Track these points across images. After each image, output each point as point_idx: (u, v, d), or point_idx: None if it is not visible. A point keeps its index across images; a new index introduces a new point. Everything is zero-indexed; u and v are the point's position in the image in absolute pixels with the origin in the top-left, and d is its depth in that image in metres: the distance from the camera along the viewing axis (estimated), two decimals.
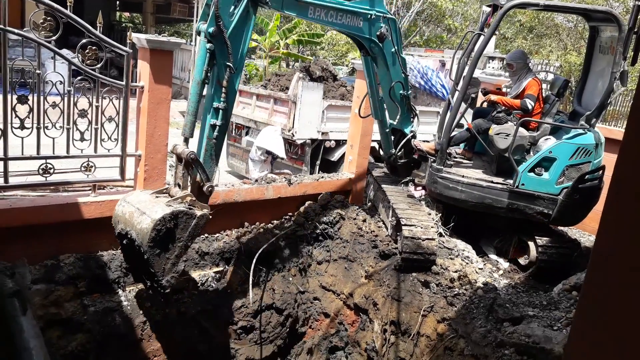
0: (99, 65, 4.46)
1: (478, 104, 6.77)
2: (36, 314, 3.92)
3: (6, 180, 4.28)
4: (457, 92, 5.90)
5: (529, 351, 4.00)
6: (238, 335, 5.45)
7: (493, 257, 6.28)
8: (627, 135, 1.12)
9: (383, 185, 6.44)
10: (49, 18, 4.11)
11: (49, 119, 4.38)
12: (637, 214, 1.09)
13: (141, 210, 3.83)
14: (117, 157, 4.82)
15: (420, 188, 7.34)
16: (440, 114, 6.89)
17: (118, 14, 28.80)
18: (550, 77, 10.34)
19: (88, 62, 4.38)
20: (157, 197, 4.02)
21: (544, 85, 7.00)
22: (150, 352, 4.78)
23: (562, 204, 5.59)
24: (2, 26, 3.93)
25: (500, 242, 6.37)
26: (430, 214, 5.90)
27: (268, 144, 9.11)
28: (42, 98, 4.28)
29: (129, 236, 3.85)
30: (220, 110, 4.08)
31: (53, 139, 4.40)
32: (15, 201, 4.40)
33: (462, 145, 6.67)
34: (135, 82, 4.83)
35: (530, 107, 5.87)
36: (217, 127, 4.11)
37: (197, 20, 4.31)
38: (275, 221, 6.15)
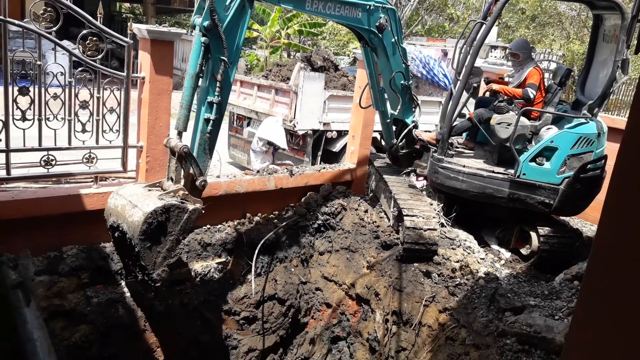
0: (99, 57, 4.45)
1: (480, 94, 6.75)
2: (39, 305, 3.94)
3: (8, 172, 4.29)
4: (458, 82, 5.88)
5: (530, 341, 4.01)
6: (240, 326, 5.48)
7: (495, 247, 6.28)
8: (629, 125, 1.11)
9: (385, 176, 6.44)
10: (49, 9, 4.09)
11: (51, 111, 4.38)
12: (639, 204, 1.09)
13: (133, 203, 3.82)
14: (118, 148, 4.82)
15: (422, 178, 7.34)
16: (442, 104, 6.87)
17: (118, 4, 28.70)
18: (553, 66, 10.29)
19: (89, 53, 4.37)
20: (149, 190, 4.00)
21: (546, 75, 6.97)
22: (154, 343, 4.81)
23: (564, 193, 5.58)
24: (2, 17, 3.91)
25: (502, 232, 6.37)
26: (432, 204, 5.90)
27: (269, 134, 9.10)
28: (43, 89, 4.28)
29: (121, 229, 3.84)
30: (215, 104, 4.05)
31: (54, 130, 4.41)
32: (17, 193, 4.41)
33: (464, 135, 6.65)
34: (136, 73, 4.82)
35: (532, 96, 5.85)
36: (211, 121, 4.07)
37: None
38: (277, 212, 6.16)
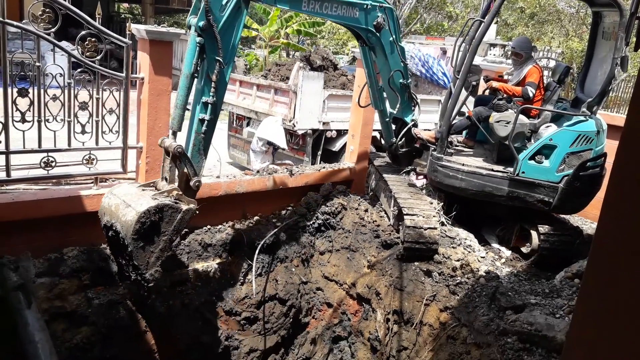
0: (98, 57, 4.44)
1: (480, 92, 6.74)
2: (41, 307, 3.94)
3: (8, 174, 4.29)
4: (457, 80, 5.87)
5: (531, 339, 4.01)
6: (242, 326, 5.48)
7: (495, 245, 6.28)
8: (628, 122, 1.11)
9: (385, 175, 6.44)
10: (47, 10, 4.09)
11: (50, 112, 4.38)
12: (638, 202, 1.09)
13: (127, 202, 3.82)
14: (118, 149, 4.82)
15: (421, 177, 7.34)
16: (441, 102, 6.87)
17: (117, 5, 28.66)
18: (552, 63, 10.29)
19: (88, 54, 4.36)
20: (143, 190, 4.01)
21: (545, 72, 6.96)
22: (155, 344, 4.81)
23: (563, 191, 5.58)
24: (1, 18, 3.91)
25: (502, 231, 6.37)
26: (432, 203, 5.90)
27: (269, 134, 9.10)
28: (42, 91, 4.27)
29: (114, 228, 3.85)
30: (209, 105, 4.04)
31: (54, 132, 4.40)
32: (17, 195, 4.41)
33: (463, 133, 6.65)
34: (136, 73, 4.82)
35: (531, 94, 5.85)
36: (206, 122, 4.06)
37: None
38: (277, 212, 6.16)
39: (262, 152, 9.42)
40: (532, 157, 5.64)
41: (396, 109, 6.07)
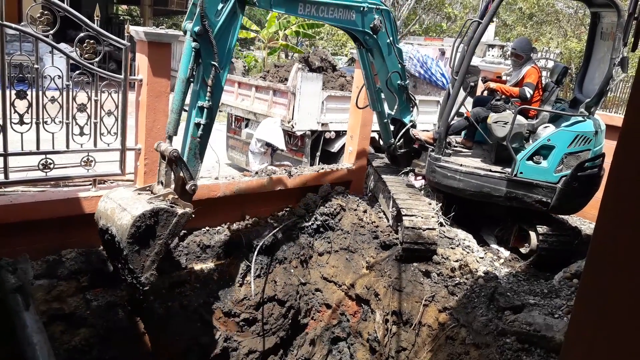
0: (97, 59, 4.44)
1: (478, 93, 6.74)
2: (39, 309, 3.94)
3: (6, 176, 4.29)
4: (456, 81, 5.88)
5: (530, 339, 4.01)
6: (240, 328, 5.47)
7: (494, 246, 6.29)
8: (626, 122, 1.12)
9: (383, 176, 6.44)
10: (46, 12, 4.09)
11: (48, 114, 4.38)
12: (636, 202, 1.09)
13: (122, 206, 3.82)
14: (117, 151, 4.82)
15: (420, 178, 7.34)
16: (440, 103, 6.87)
17: (115, 6, 28.64)
18: (551, 64, 10.30)
19: (86, 56, 4.36)
20: (139, 194, 4.01)
21: (543, 73, 6.97)
22: (154, 346, 4.80)
23: (561, 192, 5.58)
24: None
25: (501, 231, 6.37)
26: (430, 204, 5.90)
27: (268, 135, 9.10)
28: (40, 93, 4.27)
29: (110, 232, 3.85)
30: (205, 109, 4.03)
31: (52, 133, 4.40)
32: (16, 197, 4.40)
33: (462, 134, 6.66)
34: (134, 75, 4.81)
35: (529, 95, 5.85)
36: (202, 126, 4.06)
37: None
38: (276, 213, 6.16)
39: (261, 153, 9.42)
40: (530, 158, 5.65)
41: (394, 110, 6.07)
